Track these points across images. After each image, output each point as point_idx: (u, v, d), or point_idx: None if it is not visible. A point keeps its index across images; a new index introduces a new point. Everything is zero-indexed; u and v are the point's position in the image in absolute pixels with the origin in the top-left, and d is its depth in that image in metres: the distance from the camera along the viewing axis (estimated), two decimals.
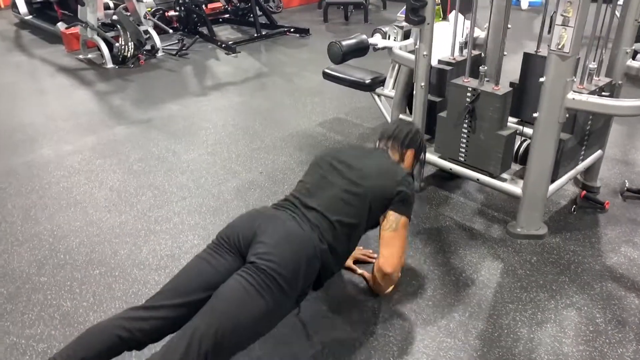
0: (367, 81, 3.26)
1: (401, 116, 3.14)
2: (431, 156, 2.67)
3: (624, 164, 3.03)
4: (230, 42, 5.65)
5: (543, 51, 2.65)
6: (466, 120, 2.41)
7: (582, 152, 2.48)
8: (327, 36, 6.19)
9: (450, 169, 2.58)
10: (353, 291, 2.11)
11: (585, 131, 2.40)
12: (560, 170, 2.36)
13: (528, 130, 2.52)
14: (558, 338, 1.87)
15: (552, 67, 2.04)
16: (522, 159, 2.50)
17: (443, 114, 2.53)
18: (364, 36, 3.11)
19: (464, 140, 2.46)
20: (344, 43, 3.03)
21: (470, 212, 2.63)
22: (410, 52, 2.81)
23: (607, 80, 2.33)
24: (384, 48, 3.10)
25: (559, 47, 1.98)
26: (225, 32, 6.38)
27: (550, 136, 2.16)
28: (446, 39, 2.83)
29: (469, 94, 2.35)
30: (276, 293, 1.57)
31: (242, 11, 6.54)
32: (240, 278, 1.58)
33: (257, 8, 6.16)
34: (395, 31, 3.12)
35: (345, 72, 3.40)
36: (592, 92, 2.20)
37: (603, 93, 2.27)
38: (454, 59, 2.68)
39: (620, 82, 2.43)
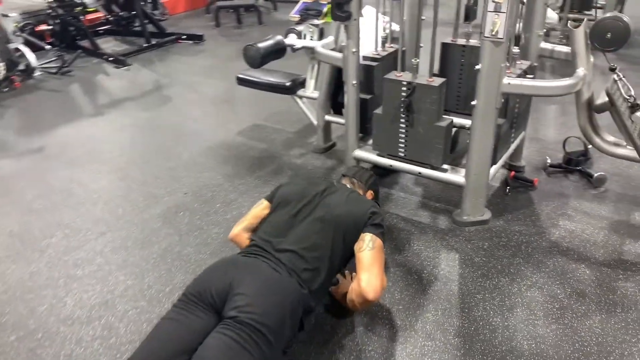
0: (288, 84, 3.12)
1: (327, 117, 3.04)
2: (369, 155, 2.60)
3: (537, 141, 3.20)
4: (118, 55, 5.18)
5: (459, 40, 2.71)
6: (403, 115, 2.36)
7: (512, 135, 2.56)
8: (222, 41, 5.94)
9: (390, 166, 2.53)
10: (320, 311, 1.96)
11: (514, 114, 2.47)
12: (498, 154, 2.40)
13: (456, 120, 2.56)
14: (530, 321, 1.88)
15: (487, 54, 2.05)
16: (452, 147, 2.52)
17: (379, 110, 2.47)
18: (280, 37, 2.97)
19: (403, 135, 2.42)
20: (261, 45, 2.86)
21: (414, 206, 2.60)
22: (332, 49, 2.73)
23: (528, 63, 2.41)
24: (301, 48, 2.98)
25: (493, 33, 1.99)
26: (109, 45, 5.85)
27: (489, 122, 2.18)
28: (363, 34, 2.78)
29: (404, 88, 2.31)
30: (263, 347, 1.42)
31: (125, 21, 6.04)
32: (222, 335, 1.41)
33: (142, 16, 5.73)
34: (311, 30, 3.01)
35: (262, 77, 3.22)
36: (519, 76, 2.26)
37: (527, 75, 2.34)
38: (379, 54, 2.64)
39: (535, 64, 2.53)
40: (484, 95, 2.13)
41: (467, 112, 2.32)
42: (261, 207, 1.98)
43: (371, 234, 1.78)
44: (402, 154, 2.46)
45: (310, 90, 3.15)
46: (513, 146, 2.62)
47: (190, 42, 5.83)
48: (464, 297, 2.00)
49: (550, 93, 2.17)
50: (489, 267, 2.16)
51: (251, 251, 1.73)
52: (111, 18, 6.05)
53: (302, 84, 3.16)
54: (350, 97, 2.53)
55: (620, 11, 4.49)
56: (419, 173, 2.45)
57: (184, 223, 2.53)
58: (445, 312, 1.93)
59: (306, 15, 3.11)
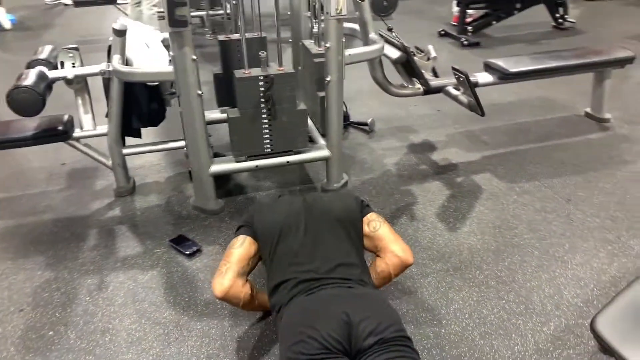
0: (60, 127, 2.42)
1: (125, 151, 2.58)
2: (228, 165, 2.43)
3: None
4: None
5: (233, 35, 2.76)
6: (265, 110, 2.32)
7: None
8: None
9: (257, 166, 2.45)
10: None
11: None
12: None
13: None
14: (414, 227, 2.35)
15: (333, 31, 2.25)
16: None
17: (234, 114, 2.32)
18: (42, 68, 2.28)
19: (267, 130, 2.37)
20: (29, 83, 2.14)
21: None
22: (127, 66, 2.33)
23: None
24: (85, 75, 2.41)
25: (338, 11, 2.21)
26: None
27: (339, 93, 2.43)
28: (137, 41, 2.50)
29: (261, 83, 2.26)
30: (413, 348, 1.41)
31: None
32: None
33: None
34: (71, 55, 2.43)
35: (17, 131, 2.38)
36: None
37: None
38: None
39: None
40: (335, 69, 2.34)
41: None
42: (246, 246, 1.70)
43: (372, 213, 1.82)
44: (269, 149, 2.43)
45: (90, 126, 2.56)
46: None
47: None
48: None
49: (370, 57, 2.58)
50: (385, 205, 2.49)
51: (308, 289, 1.54)
52: None
53: (72, 123, 2.52)
54: (196, 110, 2.27)
55: None
56: (287, 162, 2.48)
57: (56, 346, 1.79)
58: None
59: None
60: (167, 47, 2.64)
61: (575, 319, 1.82)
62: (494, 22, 5.36)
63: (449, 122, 3.42)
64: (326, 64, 2.34)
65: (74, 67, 2.45)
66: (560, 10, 5.57)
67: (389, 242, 1.75)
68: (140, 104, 2.59)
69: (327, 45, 2.29)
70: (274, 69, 2.31)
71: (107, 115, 2.64)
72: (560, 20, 5.58)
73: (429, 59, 2.86)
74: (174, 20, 2.00)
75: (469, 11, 5.39)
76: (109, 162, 2.61)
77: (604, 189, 2.61)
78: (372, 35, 2.67)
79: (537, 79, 3.07)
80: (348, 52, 2.38)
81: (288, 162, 2.49)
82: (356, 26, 2.80)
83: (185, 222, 2.44)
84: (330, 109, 2.44)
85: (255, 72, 2.29)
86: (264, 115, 2.34)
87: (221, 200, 2.55)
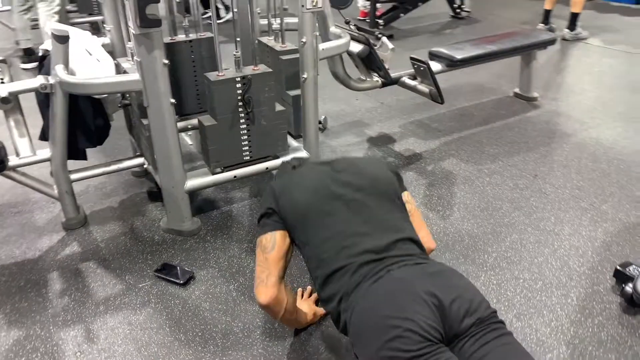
0: None
1: (75, 176, 2.23)
2: (204, 179, 2.20)
3: None
4: None
5: (178, 37, 2.51)
6: (243, 114, 2.13)
7: None
8: None
9: (235, 177, 2.24)
10: None
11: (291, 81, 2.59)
12: None
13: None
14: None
15: (308, 24, 2.12)
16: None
17: (208, 123, 2.09)
18: None
19: (246, 137, 2.18)
20: None
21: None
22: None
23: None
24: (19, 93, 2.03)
25: (314, 4, 2.09)
26: None
27: (316, 90, 2.30)
28: (76, 48, 2.18)
29: (239, 85, 2.06)
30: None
31: None
32: (491, 344, 1.22)
33: None
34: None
35: None
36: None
37: None
38: None
39: None
40: (310, 64, 2.22)
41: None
42: (279, 244, 1.50)
43: (407, 192, 1.65)
44: (248, 157, 2.23)
45: (28, 152, 2.16)
46: None
47: None
48: None
49: (341, 51, 2.48)
50: None
51: (373, 272, 1.33)
52: None
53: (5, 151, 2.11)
54: (168, 121, 2.01)
55: None
56: (267, 168, 2.31)
57: None
58: None
59: None
60: (109, 52, 2.34)
61: (590, 286, 1.90)
62: (402, 15, 5.54)
63: (396, 114, 3.44)
64: (302, 61, 2.20)
65: (3, 83, 2.05)
66: (457, 0, 5.92)
67: (419, 228, 1.60)
68: (86, 120, 2.26)
69: (303, 40, 2.15)
70: (248, 69, 2.13)
71: (41, 138, 2.27)
72: (458, 11, 5.93)
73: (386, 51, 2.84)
74: (145, 19, 1.75)
75: (377, 5, 5.51)
76: (55, 191, 2.23)
77: (559, 161, 2.78)
78: (333, 28, 2.58)
79: (479, 63, 3.19)
80: (321, 46, 2.27)
81: (267, 168, 2.31)
82: None
83: (163, 248, 2.16)
84: (307, 108, 2.31)
85: (230, 73, 2.08)
86: (242, 120, 2.15)
87: (196, 218, 2.30)
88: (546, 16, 5.08)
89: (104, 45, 2.34)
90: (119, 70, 2.24)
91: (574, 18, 4.88)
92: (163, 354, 1.65)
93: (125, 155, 2.59)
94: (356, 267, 1.36)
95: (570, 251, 2.09)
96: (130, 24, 1.83)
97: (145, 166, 2.39)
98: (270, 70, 2.15)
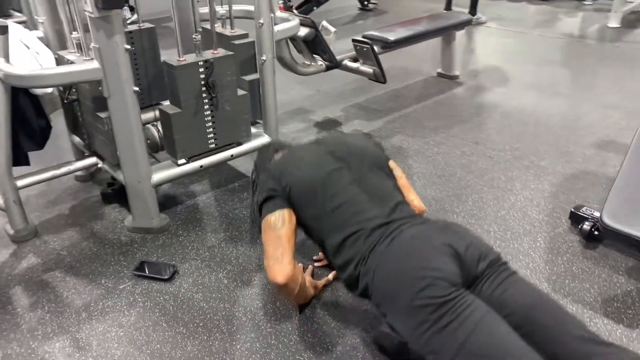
0: None
1: (22, 182, 2.03)
2: (170, 172, 2.10)
3: None
4: None
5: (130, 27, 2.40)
6: (207, 100, 2.06)
7: None
8: None
9: (201, 166, 2.17)
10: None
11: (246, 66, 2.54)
12: None
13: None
14: None
15: (265, 7, 2.12)
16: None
17: (173, 111, 2.00)
18: None
19: (210, 124, 2.12)
20: None
21: (238, 195, 2.37)
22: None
23: None
24: None
25: None
26: None
27: (273, 73, 2.30)
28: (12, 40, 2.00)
29: (202, 70, 2.00)
30: None
31: None
32: (509, 282, 1.35)
33: None
34: None
35: None
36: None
37: None
38: None
39: None
40: (268, 47, 2.21)
41: (157, 103, 2.32)
42: (288, 221, 1.54)
43: (391, 160, 1.76)
44: (214, 145, 2.17)
45: None
46: None
47: None
48: None
49: (293, 33, 2.47)
50: None
51: (386, 234, 1.41)
52: None
53: None
54: (131, 112, 1.89)
55: None
56: (232, 155, 2.26)
57: None
58: None
59: None
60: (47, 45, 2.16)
61: (552, 229, 2.10)
62: (315, 8, 5.64)
63: (335, 99, 3.51)
64: (259, 43, 2.19)
65: None
66: None
67: (408, 192, 1.73)
68: (29, 120, 2.07)
69: (260, 22, 2.14)
70: (208, 53, 2.07)
71: None
72: (365, 3, 6.16)
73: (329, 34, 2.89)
74: (106, 3, 1.64)
75: None
76: (0, 202, 2.01)
77: (493, 128, 3.02)
78: (279, 13, 2.58)
79: (411, 44, 3.35)
80: (276, 28, 2.27)
81: (232, 155, 2.27)
82: (250, 7, 2.67)
83: (134, 247, 2.03)
84: (267, 91, 2.30)
85: (191, 58, 2.01)
86: (206, 107, 2.09)
87: (164, 214, 2.19)
88: (448, 4, 5.44)
89: (41, 39, 2.15)
90: (61, 63, 2.07)
91: (474, 3, 5.28)
92: (168, 349, 1.57)
93: (65, 159, 2.39)
94: (369, 231, 1.44)
95: (525, 203, 2.29)
96: (87, 8, 1.70)
97: (99, 165, 2.23)
98: (232, 52, 2.11)
